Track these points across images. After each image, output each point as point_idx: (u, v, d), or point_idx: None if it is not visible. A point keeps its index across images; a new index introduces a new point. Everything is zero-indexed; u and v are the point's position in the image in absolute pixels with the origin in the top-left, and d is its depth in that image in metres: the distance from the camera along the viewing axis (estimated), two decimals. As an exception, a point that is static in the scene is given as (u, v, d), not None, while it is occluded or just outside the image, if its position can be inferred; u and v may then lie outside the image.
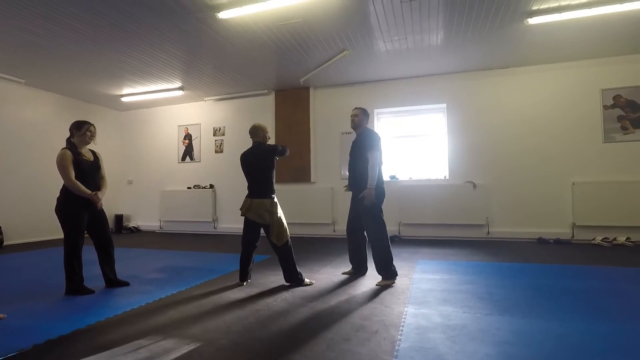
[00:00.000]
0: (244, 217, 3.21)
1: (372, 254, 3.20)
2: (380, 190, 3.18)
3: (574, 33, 4.48)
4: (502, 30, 4.39)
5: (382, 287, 3.01)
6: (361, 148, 3.24)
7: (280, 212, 3.15)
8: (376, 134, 3.31)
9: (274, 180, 3.23)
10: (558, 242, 5.17)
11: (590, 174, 5.28)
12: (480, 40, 4.66)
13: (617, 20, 4.14)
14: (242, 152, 3.35)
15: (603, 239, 4.98)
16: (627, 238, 4.90)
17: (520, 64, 5.57)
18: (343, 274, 3.50)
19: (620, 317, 2.26)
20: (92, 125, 3.12)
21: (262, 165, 3.16)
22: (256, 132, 3.28)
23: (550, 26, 4.26)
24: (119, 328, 2.22)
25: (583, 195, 5.22)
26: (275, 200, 3.16)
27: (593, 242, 5.06)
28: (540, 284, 3.04)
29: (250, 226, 3.20)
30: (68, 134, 3.08)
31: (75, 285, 2.94)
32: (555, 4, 3.81)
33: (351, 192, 3.42)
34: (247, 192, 3.22)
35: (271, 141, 6.76)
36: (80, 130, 3.04)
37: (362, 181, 3.16)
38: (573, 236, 5.29)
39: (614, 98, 5.24)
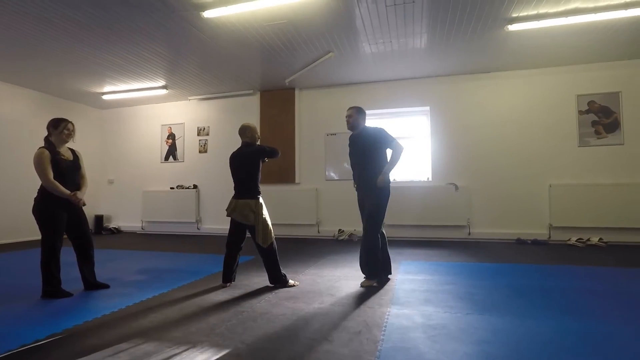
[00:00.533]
0: (229, 218, 3.19)
1: (362, 251, 3.15)
2: (389, 188, 3.17)
3: (551, 40, 4.64)
4: (483, 36, 4.51)
5: (366, 288, 3.04)
6: (373, 145, 3.19)
7: (265, 213, 3.14)
8: (384, 129, 3.26)
9: (260, 181, 3.22)
10: (535, 242, 5.32)
11: (566, 176, 5.46)
12: (463, 45, 4.76)
13: (592, 29, 4.30)
14: (226, 152, 3.34)
15: (577, 239, 5.16)
16: (600, 239, 5.09)
17: (501, 69, 5.72)
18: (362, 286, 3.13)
19: (593, 314, 2.35)
20: (71, 123, 3.03)
21: (248, 165, 3.16)
22: (244, 131, 3.27)
23: (529, 33, 4.39)
24: (98, 332, 2.18)
25: (559, 197, 5.40)
26: (261, 201, 3.16)
27: (568, 242, 5.23)
28: (518, 283, 3.13)
29: (236, 227, 3.18)
30: (45, 132, 3.00)
31: (52, 288, 2.86)
32: (534, 12, 3.93)
33: (357, 193, 3.32)
34: (232, 192, 3.21)
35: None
36: (58, 129, 2.96)
37: (374, 180, 3.11)
38: (550, 237, 5.46)
39: (588, 104, 5.44)
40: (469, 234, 5.77)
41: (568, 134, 5.50)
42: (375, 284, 3.11)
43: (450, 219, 5.76)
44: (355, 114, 3.32)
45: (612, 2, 3.75)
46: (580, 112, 5.46)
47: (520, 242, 5.42)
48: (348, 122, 3.36)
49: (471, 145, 5.87)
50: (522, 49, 4.91)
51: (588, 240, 5.11)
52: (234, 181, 3.21)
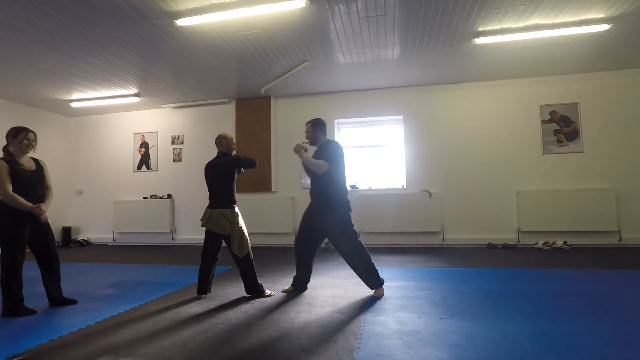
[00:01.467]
0: (205, 229, 3.14)
1: (359, 268, 3.07)
2: (347, 203, 3.12)
3: (515, 53, 4.88)
4: (452, 48, 4.69)
5: (337, 298, 3.05)
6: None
7: (241, 222, 3.12)
8: (338, 145, 3.19)
9: (235, 191, 3.20)
10: (505, 247, 5.52)
11: (532, 183, 5.72)
12: (433, 56, 4.93)
13: (552, 43, 4.56)
14: (202, 161, 3.31)
15: (544, 243, 5.39)
16: (565, 242, 5.34)
17: (469, 80, 5.96)
18: (283, 291, 3.22)
19: (560, 315, 2.46)
20: (31, 132, 2.90)
21: (223, 175, 3.14)
22: (220, 141, 3.25)
23: (494, 46, 4.61)
24: (63, 351, 2.08)
25: (527, 203, 5.64)
26: (237, 210, 3.13)
27: (536, 246, 5.46)
28: (490, 287, 3.24)
29: (211, 237, 3.13)
30: (4, 142, 2.86)
31: (13, 305, 2.71)
32: (498, 27, 4.13)
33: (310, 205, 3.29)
34: (207, 202, 3.17)
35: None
36: (17, 139, 2.82)
37: (327, 197, 3.09)
38: (519, 241, 5.67)
39: (550, 113, 5.74)
40: (443, 239, 5.91)
41: (533, 142, 5.77)
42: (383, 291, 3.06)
43: (425, 225, 5.89)
44: (312, 129, 3.24)
45: (568, 19, 3.99)
46: (544, 122, 5.75)
47: (491, 246, 5.60)
48: (307, 137, 3.31)
49: (443, 153, 6.05)
50: (488, 61, 5.14)
51: (554, 243, 5.35)
52: (209, 191, 3.18)
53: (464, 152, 5.98)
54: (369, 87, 6.26)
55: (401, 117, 6.28)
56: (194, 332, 2.31)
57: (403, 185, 6.22)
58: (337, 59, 5.01)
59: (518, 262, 4.42)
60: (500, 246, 5.56)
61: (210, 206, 3.14)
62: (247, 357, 1.93)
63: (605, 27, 4.07)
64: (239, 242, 3.04)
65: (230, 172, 3.15)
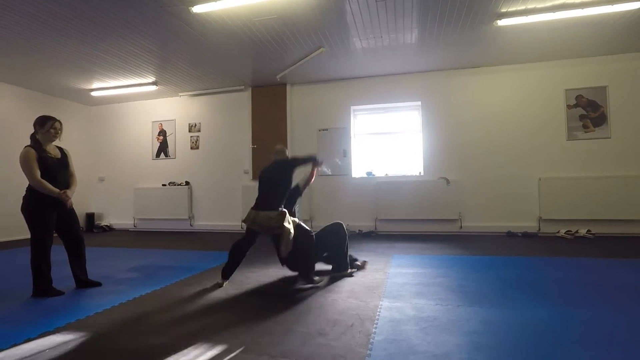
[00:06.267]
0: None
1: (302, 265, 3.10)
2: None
3: (539, 35, 4.68)
4: (473, 31, 4.53)
5: (356, 283, 3.06)
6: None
7: (290, 223, 3.05)
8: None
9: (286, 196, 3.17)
10: (526, 235, 5.41)
11: (555, 170, 5.54)
12: (453, 40, 4.79)
13: (579, 24, 4.35)
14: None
15: (566, 231, 5.26)
16: (588, 230, 5.19)
17: (491, 64, 5.77)
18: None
19: (580, 304, 2.41)
20: (58, 121, 2.98)
21: (277, 177, 3.14)
22: (282, 152, 3.35)
23: (518, 28, 4.43)
24: (91, 330, 2.16)
25: (549, 191, 5.48)
26: (285, 210, 3.07)
27: (557, 234, 5.32)
28: (508, 275, 3.18)
29: (254, 234, 3.14)
30: (32, 130, 2.95)
31: (43, 286, 2.84)
32: (522, 7, 3.96)
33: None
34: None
35: (248, 137, 6.75)
36: (44, 127, 2.90)
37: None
38: (539, 229, 5.55)
39: (576, 98, 5.51)
40: (461, 227, 5.83)
41: (557, 128, 5.58)
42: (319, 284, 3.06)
43: (442, 212, 5.82)
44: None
45: (598, -3, 3.80)
46: (569, 106, 5.54)
47: (510, 235, 5.50)
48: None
49: (462, 140, 5.92)
50: (511, 43, 4.95)
51: (576, 232, 5.21)
52: (259, 193, 3.17)
53: (483, 138, 5.84)
54: (386, 73, 6.15)
55: (419, 103, 6.16)
56: (213, 315, 2.37)
57: (420, 173, 6.14)
58: (354, 44, 4.92)
59: (539, 250, 4.33)
60: (520, 234, 5.45)
61: (254, 207, 3.11)
62: (265, 340, 1.96)
63: (638, 4, 3.85)
64: (286, 242, 2.98)
65: (286, 173, 3.15)
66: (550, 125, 5.60)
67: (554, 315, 2.21)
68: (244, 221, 3.17)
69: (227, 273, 3.16)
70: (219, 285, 3.07)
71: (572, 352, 1.74)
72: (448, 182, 5.84)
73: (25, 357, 1.82)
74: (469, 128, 5.90)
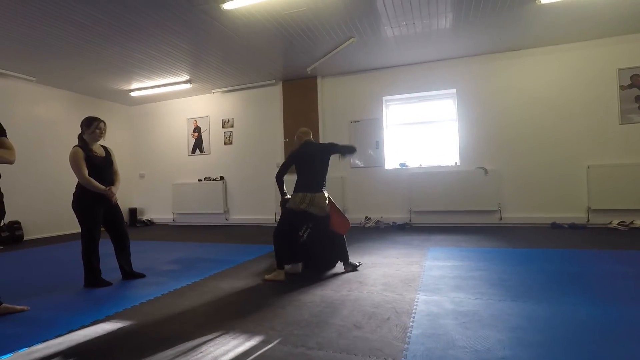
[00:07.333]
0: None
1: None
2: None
3: (588, 11, 4.33)
4: (513, 11, 4.27)
5: (388, 276, 3.02)
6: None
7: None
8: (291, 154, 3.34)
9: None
10: (573, 226, 5.09)
11: (606, 156, 5.16)
12: (490, 22, 4.54)
13: (634, -4, 3.99)
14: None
15: (619, 222, 4.89)
16: (644, 221, 4.80)
17: (532, 46, 5.43)
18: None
19: (631, 300, 2.23)
20: (102, 122, 3.14)
21: (324, 156, 3.26)
22: (307, 133, 3.45)
23: (563, 5, 4.12)
24: (137, 318, 2.28)
25: (599, 179, 5.11)
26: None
27: (609, 226, 4.97)
28: (555, 269, 3.01)
29: (298, 218, 3.19)
30: (79, 130, 3.13)
31: (93, 278, 3.03)
32: (569, -18, 3.68)
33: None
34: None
35: (279, 131, 6.80)
36: (90, 128, 3.07)
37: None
38: (588, 220, 5.20)
39: (631, 78, 5.07)
40: (500, 219, 5.59)
41: (608, 111, 5.17)
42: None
43: (480, 204, 5.60)
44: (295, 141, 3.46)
45: (657, -35, 3.45)
46: (622, 87, 5.11)
47: (555, 226, 5.20)
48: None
49: (501, 127, 5.65)
50: (555, 22, 4.62)
51: (631, 223, 4.83)
52: (306, 175, 3.21)
53: (524, 125, 5.53)
54: (419, 61, 5.96)
55: (454, 90, 5.93)
56: (249, 306, 2.42)
57: (456, 163, 5.93)
58: (385, 33, 4.80)
59: (588, 242, 4.06)
60: (566, 226, 5.14)
61: (308, 190, 3.14)
62: (302, 332, 1.98)
63: None
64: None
65: (329, 155, 3.29)
66: (601, 109, 5.20)
67: (603, 312, 2.06)
68: (290, 206, 3.16)
69: (291, 259, 3.19)
70: (285, 276, 3.05)
71: (623, 352, 1.62)
72: (486, 171, 5.60)
73: (81, 343, 1.95)
74: (508, 114, 5.61)
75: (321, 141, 6.54)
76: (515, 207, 5.55)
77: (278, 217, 3.27)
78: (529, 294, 2.43)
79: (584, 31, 4.95)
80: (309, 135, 3.43)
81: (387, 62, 6.00)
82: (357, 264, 3.30)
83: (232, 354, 1.75)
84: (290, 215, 3.19)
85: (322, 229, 3.20)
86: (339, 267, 3.37)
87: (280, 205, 3.34)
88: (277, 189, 3.28)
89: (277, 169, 3.34)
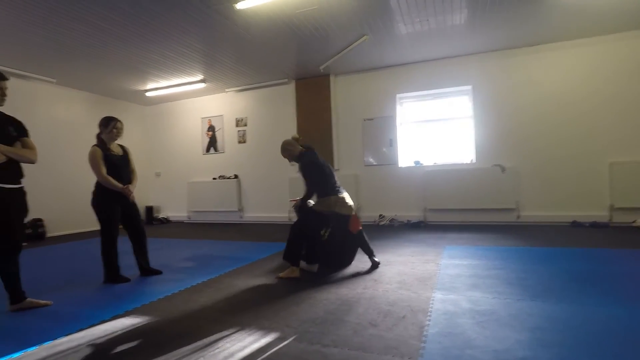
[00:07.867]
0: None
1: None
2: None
3: (610, 3, 4.19)
4: (531, 5, 4.17)
5: (403, 274, 2.99)
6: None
7: None
8: (309, 162, 3.28)
9: None
10: (594, 225, 4.95)
11: (630, 153, 4.99)
12: (507, 16, 4.44)
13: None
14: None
15: (643, 221, 4.74)
16: (670, 220, 4.63)
17: (550, 40, 5.28)
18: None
19: (662, 302, 2.16)
20: (119, 121, 3.21)
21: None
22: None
23: (583, -3, 4.00)
24: (155, 313, 2.32)
25: (622, 176, 4.95)
26: None
27: (634, 224, 4.81)
28: (575, 268, 2.94)
29: (325, 218, 3.24)
30: (97, 130, 3.20)
31: (112, 274, 3.10)
32: (590, -27, 3.57)
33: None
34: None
35: (293, 130, 6.81)
36: (107, 127, 3.14)
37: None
38: (611, 219, 5.05)
39: (655, 71, 4.89)
40: (518, 217, 5.48)
41: (633, 107, 4.99)
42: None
43: (497, 202, 5.50)
44: (284, 152, 3.38)
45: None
46: (645, 81, 4.94)
47: (576, 225, 5.07)
48: (290, 162, 3.46)
49: (519, 124, 5.53)
50: (576, 15, 4.48)
51: (655, 221, 4.68)
52: (330, 178, 3.29)
53: (542, 121, 5.40)
54: (433, 58, 5.88)
55: (469, 87, 5.83)
56: (264, 303, 2.44)
57: (472, 160, 5.83)
58: (398, 30, 4.75)
59: (610, 242, 3.94)
60: (587, 224, 5.00)
61: (338, 192, 3.26)
62: (317, 329, 1.98)
63: None
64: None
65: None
66: (625, 104, 5.02)
67: (627, 313, 2.00)
68: (320, 209, 3.17)
69: (308, 260, 3.21)
70: (299, 271, 3.09)
71: (656, 354, 1.57)
72: (503, 169, 5.49)
73: (101, 337, 2.00)
74: (525, 110, 5.48)
75: (334, 140, 6.53)
76: (534, 205, 5.43)
77: (292, 216, 3.28)
78: (549, 293, 2.37)
79: (606, 24, 4.79)
80: (307, 143, 3.52)
81: (401, 60, 5.94)
82: (379, 261, 3.29)
83: (248, 350, 1.77)
84: (318, 218, 3.21)
85: (342, 227, 3.24)
86: (354, 265, 3.37)
87: (297, 210, 3.33)
88: (304, 196, 3.23)
89: (291, 167, 3.36)
